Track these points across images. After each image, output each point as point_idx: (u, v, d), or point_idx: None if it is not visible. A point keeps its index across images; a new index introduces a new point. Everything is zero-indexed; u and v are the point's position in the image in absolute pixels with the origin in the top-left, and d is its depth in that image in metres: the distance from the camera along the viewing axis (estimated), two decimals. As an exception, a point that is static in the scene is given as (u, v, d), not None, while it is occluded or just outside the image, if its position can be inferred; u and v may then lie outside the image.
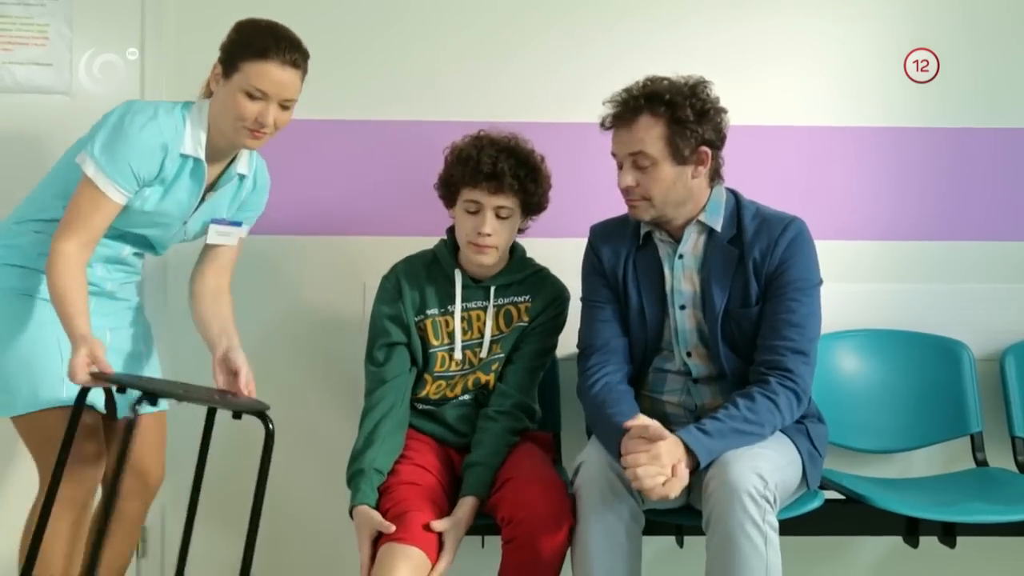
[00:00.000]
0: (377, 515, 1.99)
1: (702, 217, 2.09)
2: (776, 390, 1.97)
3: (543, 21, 2.64)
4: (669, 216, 2.09)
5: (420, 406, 2.26)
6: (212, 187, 2.10)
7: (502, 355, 2.22)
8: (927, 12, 2.68)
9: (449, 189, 2.20)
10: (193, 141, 2.00)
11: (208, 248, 2.20)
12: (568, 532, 1.95)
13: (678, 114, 1.99)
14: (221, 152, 2.07)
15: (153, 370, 2.21)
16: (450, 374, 2.23)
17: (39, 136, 2.55)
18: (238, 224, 2.18)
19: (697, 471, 1.89)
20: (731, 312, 2.06)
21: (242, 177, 2.14)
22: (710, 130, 2.03)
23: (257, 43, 1.95)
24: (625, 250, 2.17)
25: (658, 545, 2.39)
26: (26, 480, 2.11)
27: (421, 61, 2.63)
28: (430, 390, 2.24)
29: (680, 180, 2.04)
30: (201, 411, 1.94)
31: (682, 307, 2.12)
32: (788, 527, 2.07)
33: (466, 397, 2.25)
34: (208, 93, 2.03)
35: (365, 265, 2.55)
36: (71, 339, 1.82)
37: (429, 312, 2.22)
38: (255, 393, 1.98)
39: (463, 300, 2.21)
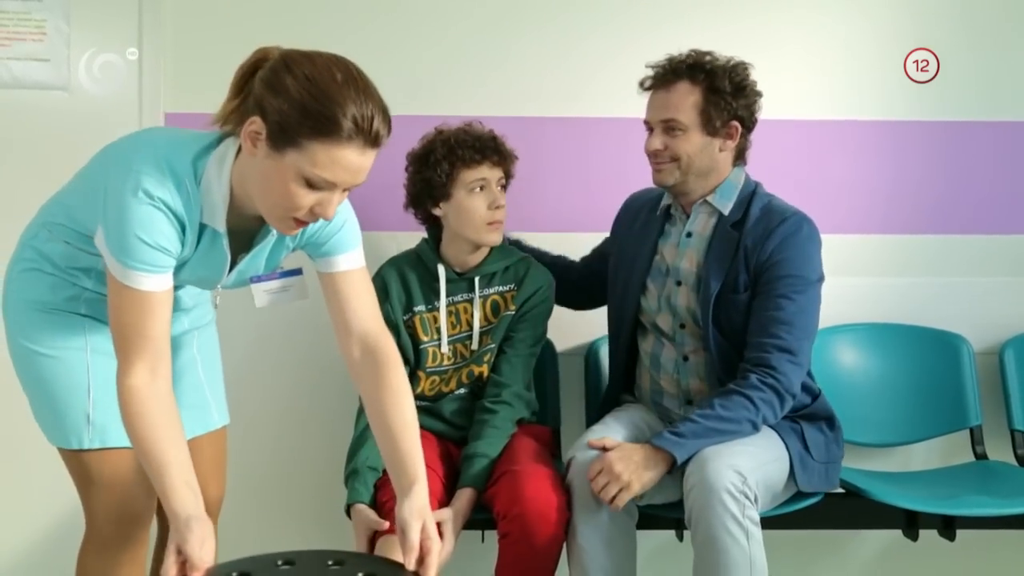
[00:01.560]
0: (372, 513, 1.99)
1: (711, 198, 2.11)
2: (755, 385, 1.97)
3: (542, 16, 2.63)
4: (691, 186, 2.11)
5: (417, 403, 2.25)
6: (248, 247, 1.69)
7: (493, 346, 2.23)
8: (927, 12, 2.67)
9: (443, 181, 2.15)
10: (210, 210, 1.56)
11: (330, 310, 1.73)
12: (564, 526, 1.95)
13: (716, 84, 2.04)
14: (254, 209, 1.58)
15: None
16: (443, 369, 2.24)
17: (37, 132, 2.55)
18: (295, 273, 1.76)
19: (674, 469, 1.93)
20: (723, 297, 2.07)
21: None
22: (743, 107, 2.07)
23: (332, 114, 1.42)
24: (642, 217, 2.23)
25: (658, 539, 2.40)
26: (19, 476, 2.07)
27: (421, 56, 2.63)
28: (424, 387, 2.24)
29: (707, 150, 2.07)
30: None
31: (678, 283, 2.13)
32: (787, 521, 2.08)
33: (462, 391, 2.26)
34: (231, 130, 1.57)
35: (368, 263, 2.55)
36: (168, 514, 1.46)
37: (416, 309, 2.23)
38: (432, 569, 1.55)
39: (448, 294, 2.22)
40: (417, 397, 2.24)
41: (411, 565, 1.53)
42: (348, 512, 2.04)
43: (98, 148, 2.50)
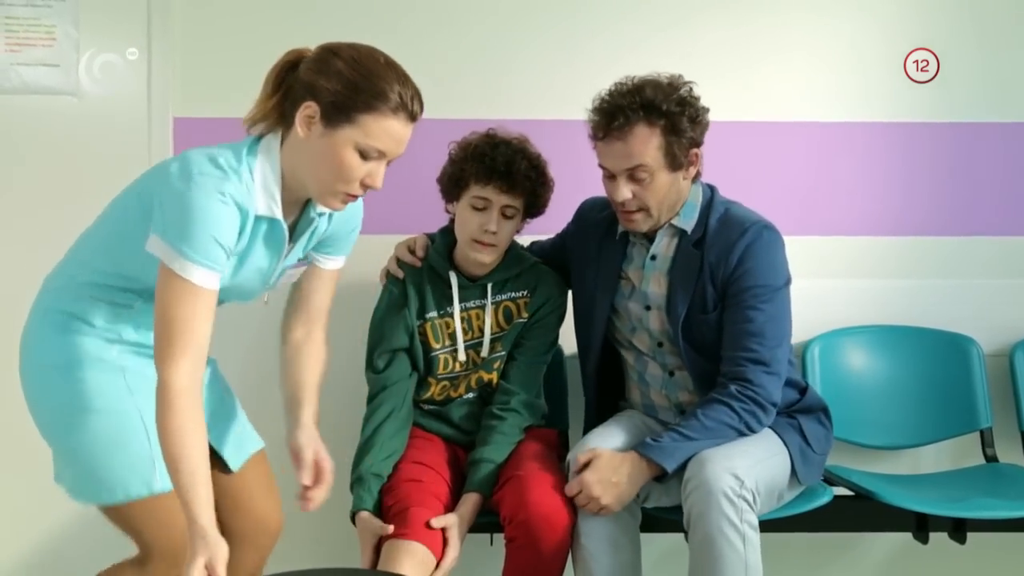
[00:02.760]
0: (376, 520, 1.99)
1: (675, 220, 2.08)
2: (734, 396, 1.97)
3: (548, 18, 2.63)
4: (661, 222, 2.08)
5: (425, 406, 2.27)
6: (291, 238, 1.77)
7: (503, 352, 2.22)
8: (932, 10, 2.66)
9: (456, 184, 2.15)
10: (266, 198, 1.63)
11: (295, 291, 1.92)
12: (570, 531, 1.95)
13: (677, 124, 1.96)
14: (298, 199, 1.72)
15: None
16: (453, 375, 2.23)
17: (47, 137, 2.56)
18: (305, 262, 1.87)
19: (665, 477, 1.94)
20: (692, 317, 2.06)
21: (321, 215, 1.78)
22: (700, 133, 2.03)
23: (381, 90, 1.58)
24: (599, 234, 2.20)
25: (667, 542, 2.40)
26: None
27: (427, 60, 2.63)
28: (434, 391, 2.24)
29: (674, 185, 2.03)
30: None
31: (647, 307, 2.12)
32: (796, 523, 2.08)
33: (470, 396, 2.26)
34: (266, 128, 1.68)
35: (373, 264, 2.55)
36: (189, 528, 1.48)
37: (428, 315, 2.21)
38: (328, 483, 1.77)
39: (461, 300, 2.20)
40: (425, 401, 2.25)
41: (307, 481, 1.76)
42: (353, 519, 2.04)
43: (107, 153, 2.56)
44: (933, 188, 2.68)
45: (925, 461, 2.64)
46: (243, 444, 1.93)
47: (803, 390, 2.16)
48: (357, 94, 1.57)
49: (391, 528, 1.95)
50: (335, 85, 1.58)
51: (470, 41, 2.64)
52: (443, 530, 1.97)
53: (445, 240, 2.24)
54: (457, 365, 2.22)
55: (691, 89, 2.02)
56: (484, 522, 2.07)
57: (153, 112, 2.57)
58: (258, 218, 1.64)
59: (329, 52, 1.62)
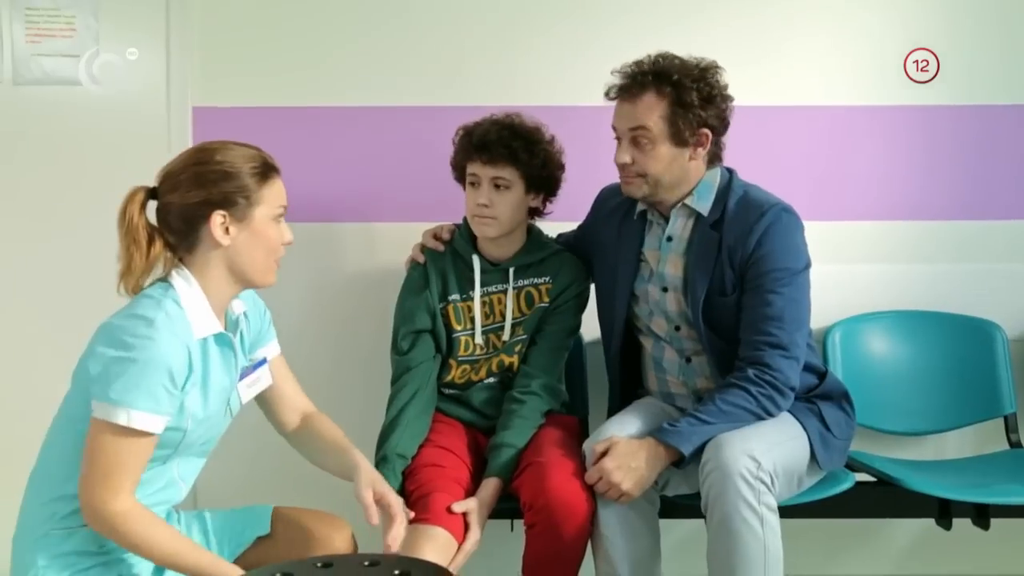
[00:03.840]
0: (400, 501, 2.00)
1: (689, 201, 2.08)
2: (752, 380, 1.97)
3: (564, 4, 2.62)
4: (660, 196, 2.08)
5: (446, 391, 2.28)
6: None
7: (525, 336, 2.23)
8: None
9: (458, 170, 2.24)
10: (202, 317, 1.67)
11: (265, 403, 1.92)
12: (590, 517, 1.95)
13: (683, 96, 1.98)
14: (220, 312, 1.76)
15: None
16: (474, 358, 2.25)
17: (67, 127, 2.58)
18: (262, 363, 1.87)
19: (683, 462, 1.93)
20: (711, 299, 2.05)
21: (244, 315, 1.83)
22: (713, 116, 2.02)
23: (264, 164, 1.71)
24: (617, 218, 2.21)
25: (686, 528, 2.39)
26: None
27: (442, 46, 2.63)
28: (455, 374, 2.26)
29: (677, 161, 2.03)
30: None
31: (664, 289, 2.12)
32: (818, 509, 2.07)
33: (491, 380, 2.27)
34: (164, 272, 1.70)
35: (391, 252, 2.56)
36: None
37: (451, 298, 2.24)
38: (401, 520, 1.78)
39: (483, 285, 2.23)
40: (447, 385, 2.28)
41: (374, 521, 1.73)
42: None
43: (127, 142, 2.58)
44: (955, 171, 2.65)
45: (948, 447, 2.63)
46: (252, 522, 1.88)
47: (823, 375, 2.15)
48: (240, 179, 1.67)
49: (412, 514, 1.95)
50: (220, 187, 1.66)
51: (485, 27, 2.63)
52: (464, 514, 1.99)
53: (468, 227, 2.27)
54: (477, 348, 2.24)
55: (715, 73, 2.03)
56: (504, 508, 2.08)
57: (172, 102, 2.59)
58: (202, 341, 1.67)
59: (169, 178, 1.70)
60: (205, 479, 1.92)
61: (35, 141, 2.58)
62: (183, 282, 1.68)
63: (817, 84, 2.64)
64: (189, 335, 1.64)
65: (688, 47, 2.09)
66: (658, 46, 2.11)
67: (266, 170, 1.71)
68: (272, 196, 1.71)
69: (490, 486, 2.05)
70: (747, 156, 2.19)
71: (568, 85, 2.61)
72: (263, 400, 1.91)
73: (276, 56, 2.62)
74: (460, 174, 2.24)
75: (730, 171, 2.13)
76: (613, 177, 2.28)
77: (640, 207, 2.16)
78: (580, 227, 2.38)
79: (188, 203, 1.66)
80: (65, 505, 1.65)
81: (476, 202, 2.16)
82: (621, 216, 2.20)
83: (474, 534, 1.97)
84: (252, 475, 2.54)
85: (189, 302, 1.67)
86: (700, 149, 2.04)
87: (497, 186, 2.15)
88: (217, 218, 1.66)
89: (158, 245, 1.69)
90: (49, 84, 2.56)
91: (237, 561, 1.79)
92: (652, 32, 2.57)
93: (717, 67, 2.04)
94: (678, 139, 2.01)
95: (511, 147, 2.14)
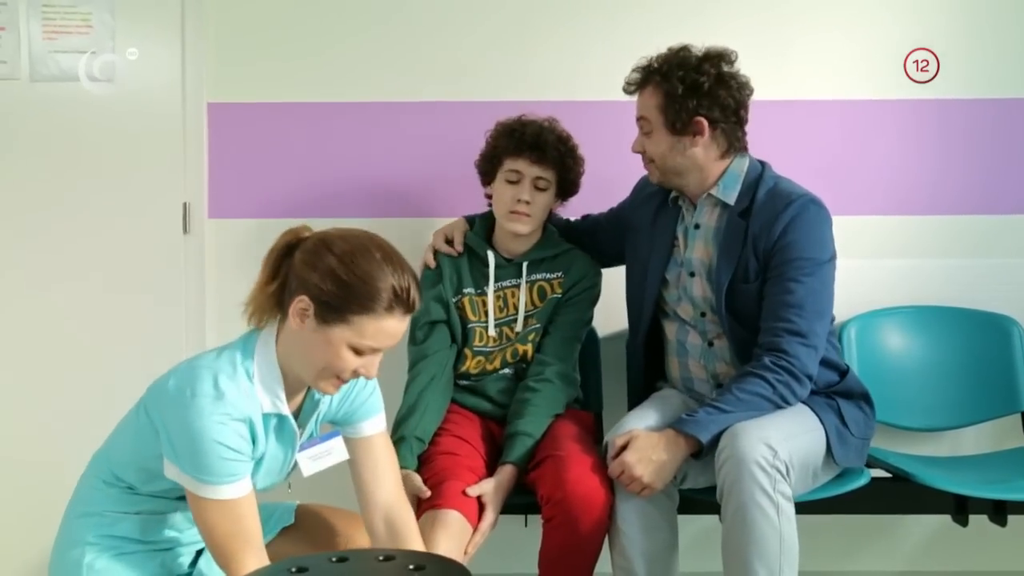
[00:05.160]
0: (416, 478, 2.03)
1: (714, 191, 2.11)
2: (768, 367, 1.97)
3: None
4: (674, 183, 2.14)
5: (461, 382, 2.30)
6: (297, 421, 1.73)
7: (538, 326, 2.27)
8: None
9: (491, 162, 2.27)
10: (270, 396, 1.62)
11: (357, 490, 1.80)
12: (608, 511, 1.96)
13: (670, 88, 2.05)
14: (301, 383, 1.68)
15: None
16: (488, 349, 2.28)
17: (84, 123, 2.59)
18: (332, 435, 1.78)
19: (702, 452, 1.94)
20: (735, 286, 2.06)
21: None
22: (708, 105, 2.04)
23: (376, 291, 1.54)
24: (654, 204, 2.25)
25: (703, 523, 2.39)
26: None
27: (458, 44, 2.63)
28: (470, 365, 2.28)
29: (676, 149, 2.09)
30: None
31: (691, 274, 2.14)
32: (834, 505, 2.06)
33: (506, 371, 2.29)
34: (263, 317, 1.65)
35: (405, 247, 2.57)
36: None
37: (466, 291, 2.28)
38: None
39: (497, 280, 2.28)
40: (462, 376, 2.31)
41: None
42: None
43: (142, 139, 2.59)
44: (971, 165, 2.64)
45: (965, 443, 2.61)
46: (278, 514, 1.89)
47: (843, 373, 2.14)
48: (350, 295, 1.54)
49: (428, 492, 1.98)
50: (328, 284, 1.54)
51: (500, 23, 2.63)
52: (479, 498, 2.00)
53: (484, 223, 2.35)
54: (490, 340, 2.27)
55: (716, 63, 2.06)
56: (520, 503, 2.08)
57: (187, 98, 2.60)
58: (266, 416, 1.62)
59: (322, 244, 1.58)
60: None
61: (52, 137, 2.59)
62: (263, 348, 1.63)
63: (831, 78, 2.63)
64: (256, 411, 1.59)
65: (704, 40, 2.10)
66: (674, 41, 2.12)
67: (386, 305, 1.55)
68: (370, 330, 1.55)
69: (506, 471, 2.06)
70: (760, 150, 2.19)
71: (581, 81, 2.61)
72: (359, 499, 1.80)
73: (291, 52, 2.63)
74: (491, 168, 2.27)
75: (763, 163, 2.15)
76: (620, 171, 2.31)
77: (673, 194, 2.20)
78: (613, 209, 2.42)
79: (299, 272, 1.58)
80: (120, 491, 1.68)
81: (517, 198, 2.21)
82: (658, 202, 2.24)
83: (489, 516, 1.99)
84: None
85: (259, 376, 1.61)
86: (699, 138, 2.07)
87: (537, 186, 2.21)
88: (301, 302, 1.56)
89: (272, 286, 1.62)
90: (65, 80, 2.57)
91: None
92: (667, 28, 2.57)
93: (722, 55, 2.07)
94: (673, 128, 2.07)
95: (559, 151, 2.23)
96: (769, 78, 2.55)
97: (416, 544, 1.76)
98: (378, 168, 2.65)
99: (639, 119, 2.13)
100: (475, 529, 1.97)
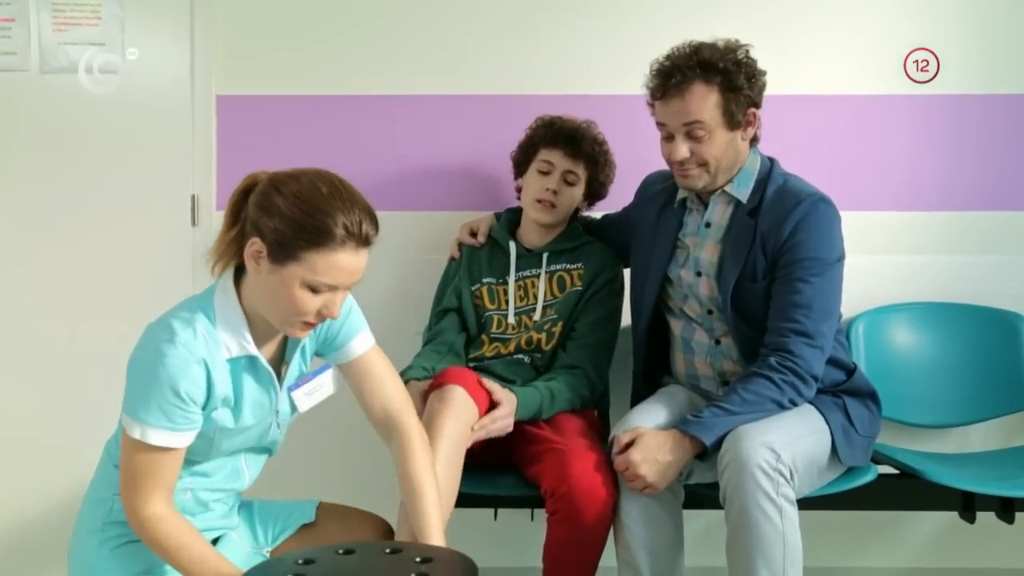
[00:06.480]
0: (423, 383, 2.08)
1: (728, 188, 2.09)
2: (774, 368, 1.96)
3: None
4: (718, 183, 2.09)
5: (472, 364, 2.31)
6: (281, 360, 1.74)
7: (555, 317, 2.28)
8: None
9: (527, 152, 2.34)
10: (236, 339, 1.61)
11: (353, 382, 1.80)
12: (612, 505, 1.96)
13: (733, 81, 2.00)
14: (273, 328, 1.65)
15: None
16: (505, 336, 2.31)
17: (93, 115, 2.60)
18: (324, 369, 1.78)
19: (707, 454, 1.93)
20: (741, 285, 2.05)
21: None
22: (757, 92, 2.05)
23: (324, 225, 1.52)
24: (658, 204, 2.23)
25: (708, 518, 2.39)
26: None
27: (468, 36, 2.63)
28: (486, 350, 2.31)
29: (732, 144, 2.05)
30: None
31: (698, 274, 2.13)
32: (841, 501, 2.06)
33: (520, 356, 2.30)
34: (225, 266, 1.64)
35: (417, 241, 2.57)
36: None
37: (485, 280, 2.35)
38: None
39: (517, 269, 2.32)
40: (475, 359, 2.32)
41: None
42: None
43: (152, 130, 2.59)
44: (980, 161, 2.63)
45: (973, 440, 2.60)
46: (298, 512, 1.88)
47: (850, 371, 2.13)
48: (299, 232, 1.52)
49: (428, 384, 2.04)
50: (277, 223, 1.53)
51: (509, 15, 2.63)
52: (490, 393, 2.03)
53: (510, 216, 2.43)
54: (509, 328, 2.30)
55: (747, 51, 2.04)
56: (524, 497, 2.08)
57: (197, 90, 2.60)
58: (233, 360, 1.61)
59: (272, 186, 1.57)
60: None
61: (60, 129, 2.60)
62: (223, 294, 1.62)
63: (839, 72, 2.62)
64: (217, 354, 1.59)
65: (714, 33, 2.08)
66: (683, 35, 2.10)
67: (338, 239, 1.53)
68: (322, 265, 1.53)
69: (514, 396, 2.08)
70: (769, 146, 2.18)
71: (596, 73, 2.61)
72: (355, 390, 1.81)
73: (300, 44, 2.63)
74: (526, 158, 2.34)
75: (771, 160, 2.14)
76: (632, 168, 2.30)
77: (681, 194, 2.17)
78: (624, 209, 2.42)
79: (251, 214, 1.57)
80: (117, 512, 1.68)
81: (545, 187, 2.28)
82: (662, 202, 2.23)
83: (507, 405, 2.02)
84: (300, 474, 2.52)
85: (222, 320, 1.60)
86: (750, 128, 2.07)
87: (567, 180, 2.29)
88: (254, 245, 1.56)
89: (232, 232, 1.61)
90: (75, 72, 2.58)
91: (280, 547, 1.81)
92: (675, 22, 2.58)
93: (745, 45, 2.06)
94: (732, 124, 2.03)
95: (594, 150, 2.31)
96: (779, 73, 2.54)
97: (418, 443, 1.75)
98: (387, 161, 2.64)
99: (688, 124, 2.00)
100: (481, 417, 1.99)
